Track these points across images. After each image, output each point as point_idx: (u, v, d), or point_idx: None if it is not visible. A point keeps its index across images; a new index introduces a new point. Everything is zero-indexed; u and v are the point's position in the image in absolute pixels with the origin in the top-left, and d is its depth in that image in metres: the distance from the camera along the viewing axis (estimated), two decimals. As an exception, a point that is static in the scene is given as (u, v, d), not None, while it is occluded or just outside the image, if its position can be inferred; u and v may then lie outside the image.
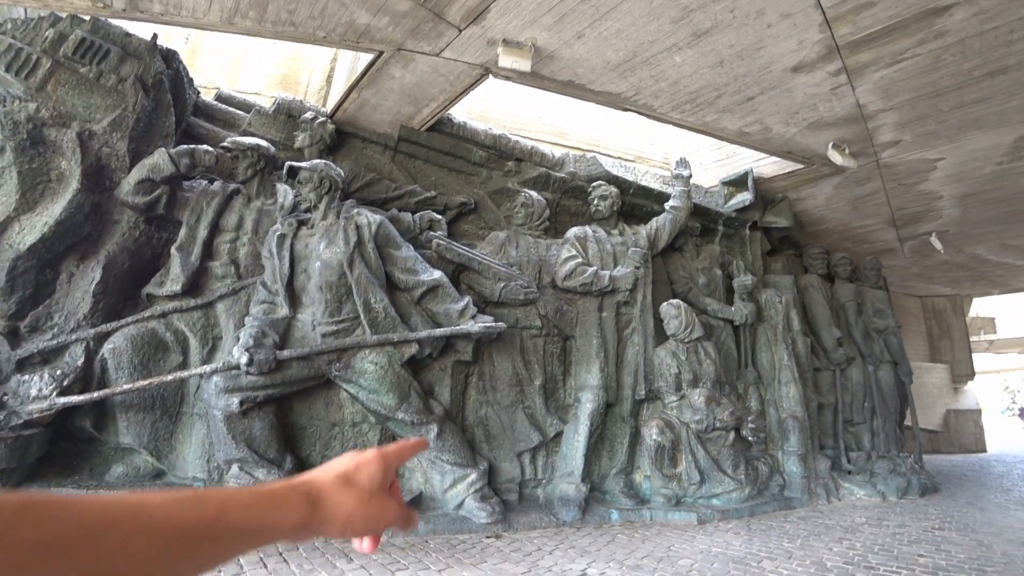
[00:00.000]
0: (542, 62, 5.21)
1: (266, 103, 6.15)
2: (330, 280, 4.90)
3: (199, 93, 5.92)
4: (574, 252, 5.98)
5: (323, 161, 5.33)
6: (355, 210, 5.21)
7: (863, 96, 5.75)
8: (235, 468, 4.57)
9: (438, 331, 5.17)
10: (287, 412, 4.95)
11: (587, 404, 5.66)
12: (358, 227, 5.06)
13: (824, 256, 8.03)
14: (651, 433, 5.63)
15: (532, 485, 5.77)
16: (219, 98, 6.11)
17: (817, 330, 7.53)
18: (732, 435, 5.85)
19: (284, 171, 5.18)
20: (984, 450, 12.50)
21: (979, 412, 12.75)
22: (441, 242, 5.49)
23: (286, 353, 4.65)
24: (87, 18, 4.94)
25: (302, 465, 4.87)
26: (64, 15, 4.87)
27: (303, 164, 5.21)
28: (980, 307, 14.52)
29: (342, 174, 5.31)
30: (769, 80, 5.45)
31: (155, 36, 5.27)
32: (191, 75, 5.78)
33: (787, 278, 7.41)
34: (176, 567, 0.49)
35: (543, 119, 7.36)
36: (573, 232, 6.19)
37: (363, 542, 0.67)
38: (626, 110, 5.87)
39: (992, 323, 16.43)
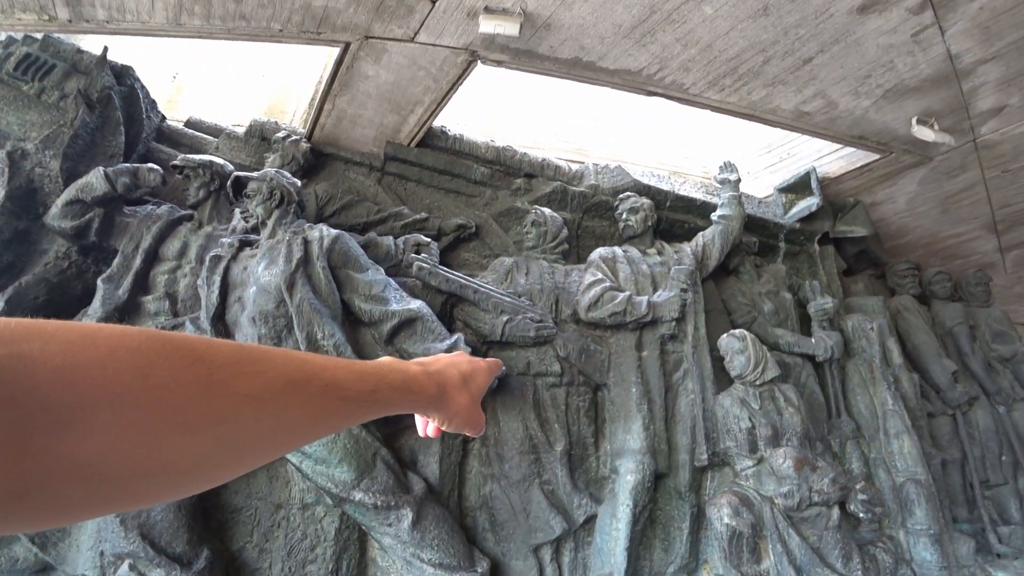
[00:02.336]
0: (538, 35, 3.83)
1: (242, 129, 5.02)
2: (265, 309, 3.46)
3: (164, 118, 4.81)
4: (600, 275, 4.36)
5: (274, 169, 4.02)
6: (307, 224, 3.83)
7: (955, 42, 4.07)
8: (124, 567, 3.02)
9: None
10: (218, 489, 3.38)
11: (628, 476, 3.86)
12: (306, 242, 3.65)
13: (914, 272, 6.07)
14: (721, 514, 3.75)
15: None
16: (189, 123, 4.98)
17: (923, 363, 5.49)
18: (836, 512, 3.89)
19: (229, 186, 3.90)
20: None
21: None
22: (424, 265, 3.99)
23: (203, 419, 3.16)
24: (39, 36, 4.09)
25: (231, 559, 3.31)
26: (18, 35, 4.06)
27: (251, 175, 3.94)
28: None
29: (298, 184, 3.97)
30: (830, 30, 3.87)
31: (105, 49, 4.25)
32: (160, 101, 4.77)
33: (875, 299, 5.48)
34: (334, 424, 0.50)
35: (558, 135, 5.93)
36: (599, 253, 4.59)
37: (428, 426, 0.73)
38: (652, 94, 4.36)
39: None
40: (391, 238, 4.43)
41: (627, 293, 4.21)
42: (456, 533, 3.81)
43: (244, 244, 3.90)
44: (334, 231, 3.81)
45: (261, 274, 3.60)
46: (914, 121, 4.74)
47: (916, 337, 5.55)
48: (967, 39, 4.08)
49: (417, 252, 4.30)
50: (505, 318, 4.10)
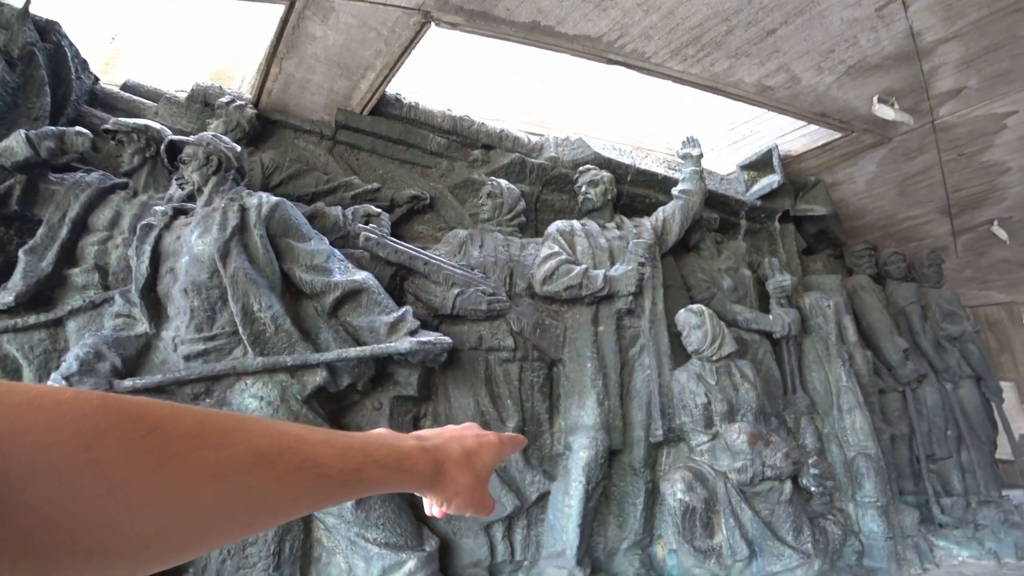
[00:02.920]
0: (493, -5, 3.60)
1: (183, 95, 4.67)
2: (198, 280, 3.20)
3: (97, 80, 4.43)
4: (556, 248, 4.18)
5: (211, 133, 3.72)
6: (246, 191, 3.56)
7: (918, 18, 3.97)
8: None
9: (353, 351, 3.39)
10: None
11: (581, 453, 3.73)
12: (243, 209, 3.38)
13: (871, 253, 6.05)
14: (675, 490, 3.65)
15: (508, 570, 3.81)
16: (125, 87, 4.59)
17: (877, 341, 5.48)
18: (789, 486, 3.84)
19: (163, 150, 3.60)
20: (1065, 478, 9.93)
21: (1053, 435, 10.24)
22: (371, 236, 3.76)
23: (127, 383, 2.93)
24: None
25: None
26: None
27: (187, 139, 3.64)
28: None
29: (237, 149, 3.67)
30: (795, 0, 3.73)
31: (28, 2, 3.85)
32: (97, 64, 4.38)
33: (833, 278, 5.44)
34: (310, 504, 0.44)
35: (518, 106, 5.69)
36: (556, 226, 4.40)
37: (432, 507, 0.61)
38: (612, 62, 4.16)
39: (1040, 335, 13.90)
40: (339, 208, 4.17)
41: (583, 267, 4.04)
42: (404, 512, 3.64)
43: (178, 212, 3.61)
44: (274, 198, 3.54)
45: (194, 243, 3.33)
46: (875, 100, 4.66)
47: (871, 316, 5.54)
48: (929, 16, 3.98)
49: (367, 223, 4.06)
50: (456, 291, 3.91)
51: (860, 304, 5.62)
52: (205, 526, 0.37)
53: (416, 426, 4.01)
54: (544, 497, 3.87)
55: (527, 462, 3.87)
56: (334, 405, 3.71)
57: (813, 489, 3.92)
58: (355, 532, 3.40)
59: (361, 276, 3.67)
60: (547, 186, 4.90)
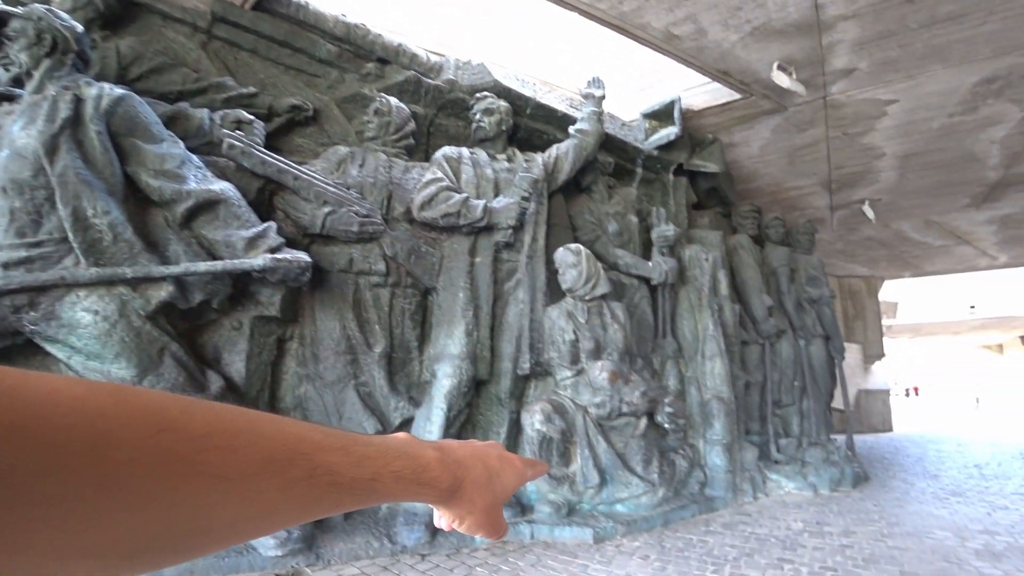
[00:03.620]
0: None
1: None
2: (19, 177, 2.75)
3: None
4: (440, 175, 3.96)
5: (46, 7, 3.11)
6: (85, 80, 3.04)
7: (823, -13, 3.98)
8: None
9: (203, 265, 3.10)
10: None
11: (444, 380, 3.68)
12: (78, 100, 2.89)
13: (756, 215, 6.30)
14: (533, 421, 3.70)
15: None
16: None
17: (746, 297, 5.79)
18: (644, 422, 4.01)
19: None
20: (891, 429, 11.33)
21: (887, 392, 11.59)
22: (236, 143, 3.37)
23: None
24: None
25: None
26: None
27: (12, 9, 3.03)
28: (885, 292, 13.45)
29: (77, 29, 3.09)
30: (706, -55, 3.59)
31: None
32: None
33: (715, 234, 5.62)
34: (318, 512, 0.41)
35: (421, 22, 5.24)
36: (443, 151, 4.16)
37: (442, 519, 0.56)
38: (515, -17, 3.89)
39: (895, 308, 15.51)
40: (207, 112, 3.69)
41: (464, 195, 3.87)
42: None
43: (2, 98, 3.04)
44: (119, 90, 3.04)
45: (17, 135, 2.82)
46: (775, 66, 4.68)
47: (744, 272, 5.81)
48: (833, -11, 3.98)
49: (237, 131, 3.63)
50: (327, 209, 3.63)
51: (737, 261, 5.88)
52: (207, 530, 0.35)
53: (281, 348, 3.79)
54: (408, 423, 3.81)
55: (392, 387, 3.78)
56: (188, 323, 3.41)
57: (667, 426, 4.11)
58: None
59: (220, 186, 3.30)
60: (442, 110, 4.60)
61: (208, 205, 3.26)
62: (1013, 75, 4.99)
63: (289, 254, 3.30)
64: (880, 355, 11.28)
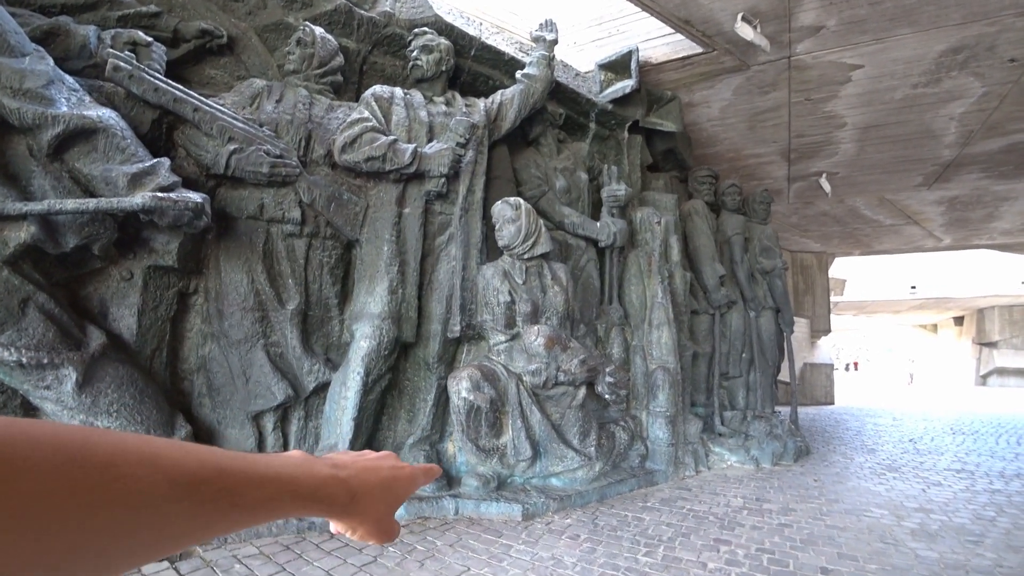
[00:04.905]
0: None
1: None
2: None
3: None
4: (366, 115, 3.44)
5: None
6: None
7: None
8: None
9: (70, 203, 2.57)
10: None
11: (362, 342, 3.24)
12: None
13: (712, 181, 5.98)
14: (459, 388, 3.31)
15: None
16: None
17: (698, 265, 5.50)
18: (582, 392, 3.68)
19: None
20: (833, 402, 11.53)
21: (831, 366, 11.75)
22: (122, 65, 2.80)
23: None
24: None
25: None
26: None
27: None
28: (834, 269, 13.59)
29: None
30: None
31: None
32: None
33: (670, 197, 5.26)
34: (217, 531, 0.41)
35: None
36: (372, 90, 3.64)
37: (334, 527, 0.57)
38: None
39: (843, 285, 15.74)
40: (94, 29, 3.07)
41: (391, 137, 3.37)
42: (149, 398, 2.99)
43: None
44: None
45: None
46: (739, 16, 4.28)
47: (698, 239, 5.51)
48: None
49: (131, 54, 3.03)
50: (232, 147, 3.10)
51: (691, 227, 5.57)
52: (115, 554, 0.34)
53: (184, 304, 3.29)
54: (325, 387, 3.38)
55: (306, 348, 3.33)
56: (67, 272, 2.90)
57: (608, 397, 3.80)
58: (80, 420, 2.76)
59: (98, 113, 2.74)
60: (378, 46, 4.04)
61: (83, 134, 2.72)
62: (979, 46, 4.74)
63: (176, 194, 2.78)
64: (827, 330, 11.37)
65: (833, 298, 15.65)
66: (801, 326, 10.95)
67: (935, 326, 23.51)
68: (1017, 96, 5.52)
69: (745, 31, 4.30)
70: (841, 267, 14.68)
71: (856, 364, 28.24)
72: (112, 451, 0.34)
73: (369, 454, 0.59)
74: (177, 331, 3.27)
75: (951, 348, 21.57)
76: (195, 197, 2.80)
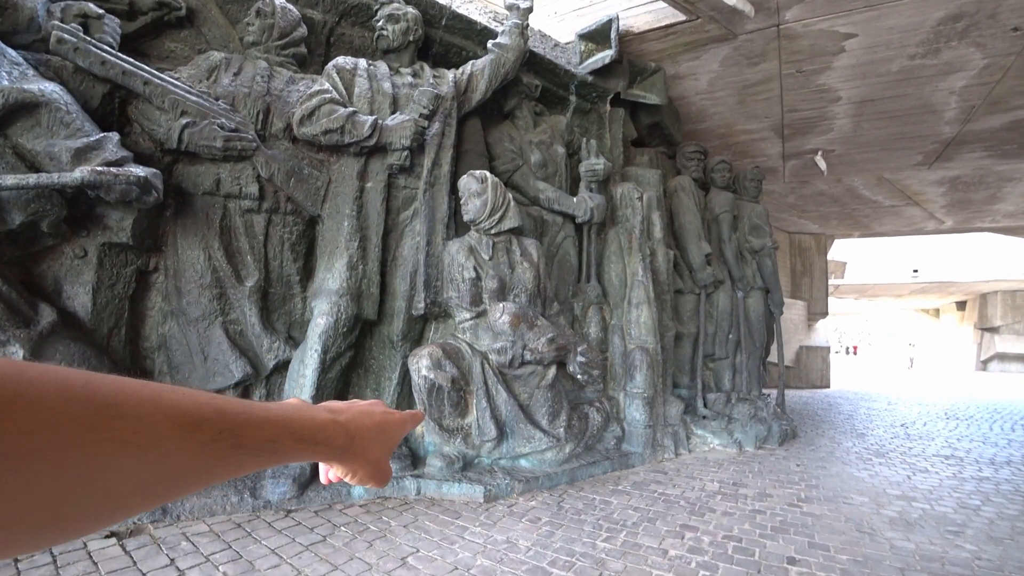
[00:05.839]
0: None
1: None
2: None
3: None
4: (327, 86, 3.30)
5: None
6: None
7: None
8: None
9: (8, 178, 2.51)
10: None
11: (320, 319, 3.14)
12: None
13: (701, 156, 5.78)
14: (419, 366, 3.21)
15: None
16: None
17: (684, 243, 5.34)
18: (552, 372, 3.57)
19: None
20: (828, 386, 11.39)
21: (828, 350, 11.59)
22: (67, 37, 2.67)
23: None
24: None
25: None
26: None
27: None
28: (835, 252, 13.35)
29: None
30: None
31: None
32: None
33: (653, 172, 5.08)
34: (221, 474, 0.41)
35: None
36: (335, 61, 3.49)
37: (330, 472, 0.60)
38: None
39: (843, 268, 15.50)
40: (43, 1, 2.95)
41: (349, 109, 3.23)
42: (99, 366, 2.93)
43: None
44: None
45: None
46: (723, -22, 4.07)
47: (683, 217, 5.34)
48: None
49: (84, 27, 2.91)
50: (185, 121, 2.98)
51: (677, 204, 5.40)
52: (120, 496, 0.34)
53: (145, 282, 3.20)
54: (286, 365, 3.29)
55: (266, 326, 3.23)
56: (19, 251, 2.82)
57: (580, 377, 3.69)
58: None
59: (40, 87, 2.64)
60: (345, 17, 3.87)
61: (25, 108, 2.64)
62: (980, 13, 4.48)
63: (117, 168, 2.67)
64: (824, 313, 11.19)
65: (834, 281, 15.43)
66: (798, 309, 10.79)
67: (937, 311, 23.21)
68: (1021, 68, 5.26)
69: (730, -3, 4.10)
70: (842, 250, 14.43)
71: (855, 348, 28.03)
72: (114, 391, 0.34)
73: (359, 402, 0.60)
74: (138, 309, 3.19)
75: (953, 333, 21.30)
76: (137, 171, 2.69)
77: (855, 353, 27.83)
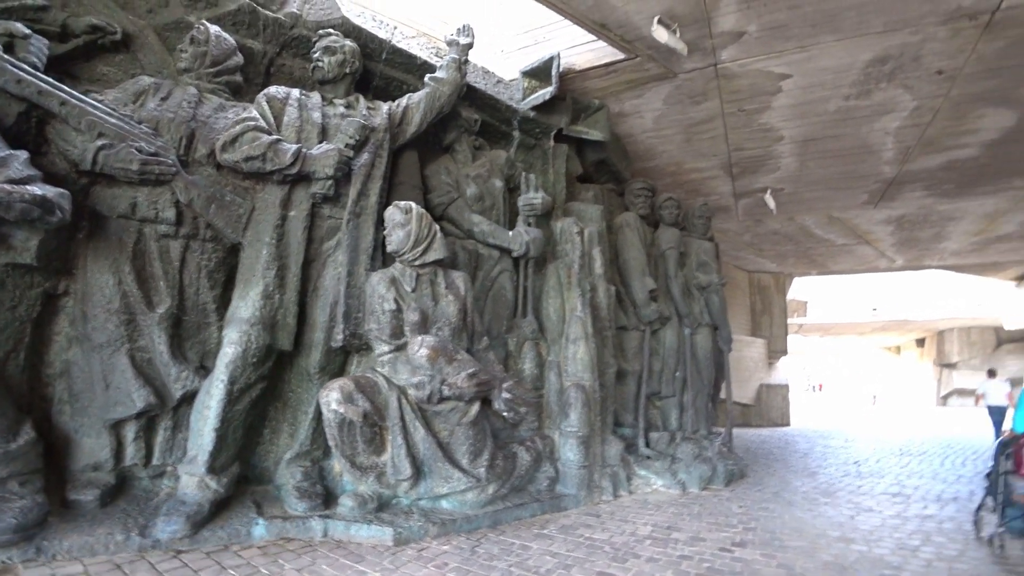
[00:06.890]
0: None
1: None
2: None
3: None
4: (254, 114, 3.28)
5: None
6: None
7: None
8: None
9: None
10: None
11: (227, 348, 3.03)
12: None
13: (648, 193, 5.86)
14: (329, 400, 3.10)
15: (147, 474, 3.15)
16: None
17: (628, 279, 5.36)
18: (475, 408, 3.48)
19: None
20: (789, 424, 11.43)
21: (787, 387, 11.68)
22: None
23: None
24: None
25: None
26: None
27: None
28: (795, 291, 13.62)
29: None
30: None
31: None
32: None
33: (595, 208, 5.13)
34: None
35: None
36: (267, 91, 3.48)
37: None
38: None
39: (805, 307, 15.80)
40: None
41: (272, 137, 3.21)
42: (-12, 401, 2.77)
43: None
44: None
45: None
46: (655, 20, 4.20)
47: (628, 252, 5.38)
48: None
49: (9, 47, 2.87)
50: (100, 143, 2.92)
51: (622, 240, 5.44)
52: None
53: (53, 306, 3.07)
54: (194, 395, 3.15)
55: (175, 355, 3.11)
56: None
57: (505, 414, 3.61)
58: None
59: None
60: (286, 48, 3.89)
61: None
62: (905, 56, 4.68)
63: (11, 186, 2.58)
64: (784, 351, 11.33)
65: (797, 319, 15.69)
66: (758, 347, 10.90)
67: (898, 348, 23.73)
68: (949, 111, 5.49)
69: (660, 34, 4.21)
70: (803, 288, 14.74)
71: (820, 386, 28.45)
72: None
73: None
74: (44, 334, 3.05)
75: (914, 369, 21.75)
76: (35, 190, 2.60)
77: (820, 390, 28.22)
